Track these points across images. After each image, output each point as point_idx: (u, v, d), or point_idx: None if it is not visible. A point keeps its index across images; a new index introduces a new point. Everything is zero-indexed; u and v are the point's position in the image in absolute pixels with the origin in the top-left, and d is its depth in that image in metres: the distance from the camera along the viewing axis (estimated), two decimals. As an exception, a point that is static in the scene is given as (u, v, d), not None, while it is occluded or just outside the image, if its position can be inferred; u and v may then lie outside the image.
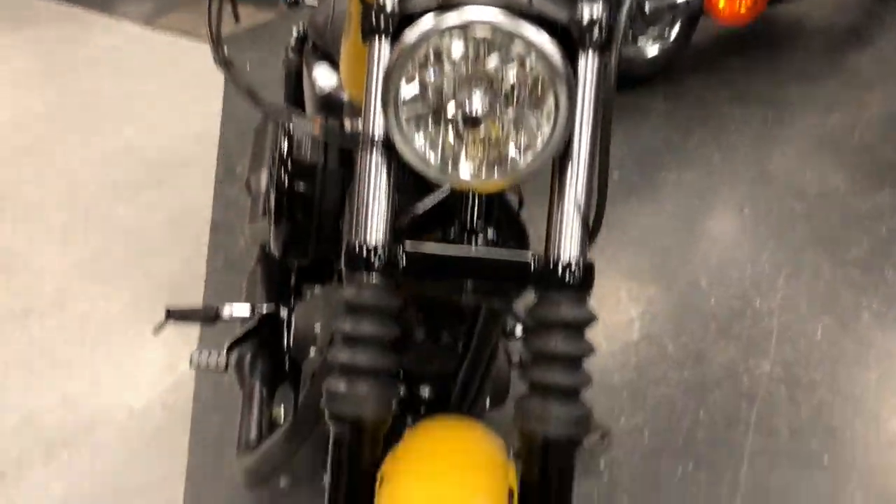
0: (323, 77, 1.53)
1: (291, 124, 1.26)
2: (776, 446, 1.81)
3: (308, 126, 1.28)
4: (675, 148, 2.77)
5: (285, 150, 1.31)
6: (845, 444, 1.81)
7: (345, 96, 1.42)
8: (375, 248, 0.88)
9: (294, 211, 1.31)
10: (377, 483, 0.89)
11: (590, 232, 0.90)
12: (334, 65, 1.52)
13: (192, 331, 2.04)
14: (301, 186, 1.31)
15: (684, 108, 2.93)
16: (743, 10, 2.87)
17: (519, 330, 1.52)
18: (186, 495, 1.69)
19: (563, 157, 0.89)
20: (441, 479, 0.86)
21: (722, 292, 2.21)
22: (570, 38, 0.85)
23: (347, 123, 1.29)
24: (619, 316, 2.13)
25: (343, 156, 1.33)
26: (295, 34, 1.73)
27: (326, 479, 0.91)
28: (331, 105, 1.47)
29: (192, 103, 3.04)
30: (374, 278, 0.88)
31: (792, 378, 1.96)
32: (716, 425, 1.86)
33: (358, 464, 0.91)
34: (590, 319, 0.89)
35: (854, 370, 1.98)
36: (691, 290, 2.22)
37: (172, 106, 3.05)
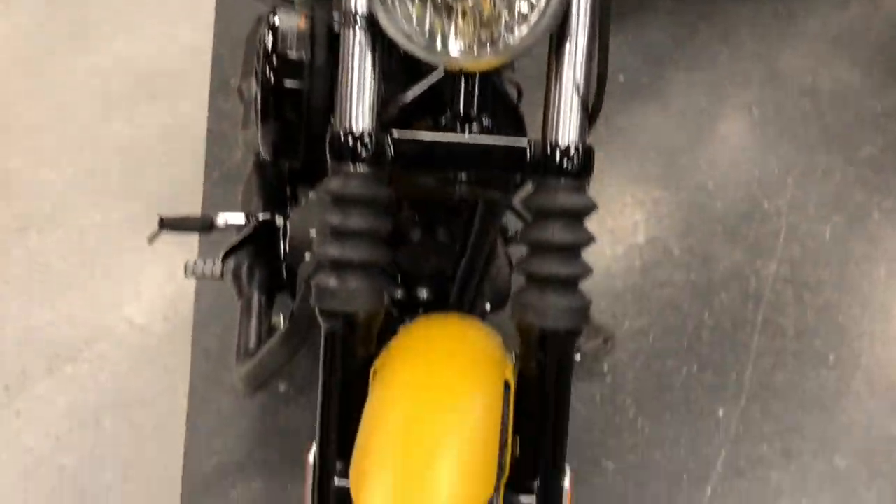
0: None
1: (276, 16, 1.20)
2: (782, 346, 1.80)
3: (293, 14, 1.22)
4: (682, 47, 2.67)
5: (270, 45, 1.25)
6: (852, 342, 1.80)
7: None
8: (361, 136, 0.84)
9: (282, 109, 1.26)
10: (371, 378, 0.87)
11: (590, 115, 0.86)
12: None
13: (192, 244, 2.01)
14: (288, 82, 1.25)
15: (691, 4, 2.81)
16: None
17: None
18: (190, 405, 1.69)
19: (560, 34, 0.83)
20: (435, 370, 0.84)
21: (729, 194, 2.16)
22: None
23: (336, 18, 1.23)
24: (623, 220, 2.09)
25: (331, 49, 1.26)
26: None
27: (320, 376, 0.89)
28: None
29: (183, 16, 2.93)
30: (361, 168, 0.84)
31: (799, 278, 1.93)
32: (721, 327, 1.84)
33: (351, 359, 0.89)
34: (589, 207, 0.86)
35: (863, 268, 1.94)
36: (698, 192, 2.17)
37: (163, 19, 2.94)
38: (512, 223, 1.42)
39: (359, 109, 0.84)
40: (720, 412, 1.68)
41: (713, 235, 2.05)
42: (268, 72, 1.24)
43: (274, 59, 1.24)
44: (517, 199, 1.01)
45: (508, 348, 0.96)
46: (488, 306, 1.31)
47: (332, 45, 1.27)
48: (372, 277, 0.86)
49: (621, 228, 2.07)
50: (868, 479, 1.57)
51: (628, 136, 2.32)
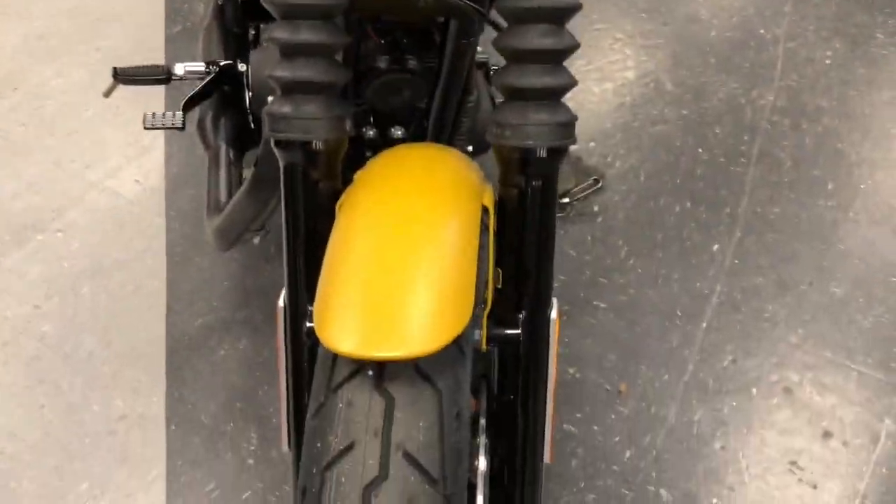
0: None
1: None
2: (778, 178, 1.73)
3: None
4: None
5: None
6: (851, 168, 1.73)
7: None
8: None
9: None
10: (337, 213, 0.80)
11: None
12: None
13: (158, 105, 1.91)
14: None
15: None
16: None
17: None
18: (168, 268, 1.64)
19: None
20: (402, 196, 0.76)
21: (723, 23, 2.03)
22: None
23: None
24: (612, 55, 1.98)
25: None
26: None
27: (282, 215, 0.82)
28: None
29: None
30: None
31: (797, 107, 1.84)
32: (715, 161, 1.77)
33: (315, 195, 0.82)
34: (573, 6, 0.76)
35: (863, 91, 1.85)
36: (690, 22, 2.05)
37: None
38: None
39: None
40: (714, 247, 1.64)
41: (707, 67, 1.94)
42: None
43: None
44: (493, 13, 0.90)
45: (487, 179, 0.89)
46: (470, 149, 1.23)
47: None
48: (330, 100, 0.78)
49: (610, 65, 1.96)
50: (865, 305, 1.54)
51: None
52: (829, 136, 1.78)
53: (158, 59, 2.05)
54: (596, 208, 1.70)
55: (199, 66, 1.42)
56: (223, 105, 1.45)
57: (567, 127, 0.78)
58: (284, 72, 0.76)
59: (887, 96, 1.84)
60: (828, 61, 1.93)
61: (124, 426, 1.44)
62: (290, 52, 0.76)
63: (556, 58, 0.76)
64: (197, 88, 1.39)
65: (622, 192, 1.73)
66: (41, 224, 1.73)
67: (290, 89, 0.77)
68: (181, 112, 1.37)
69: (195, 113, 1.47)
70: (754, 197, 1.70)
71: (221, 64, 1.41)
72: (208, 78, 1.41)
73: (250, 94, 1.33)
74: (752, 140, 1.79)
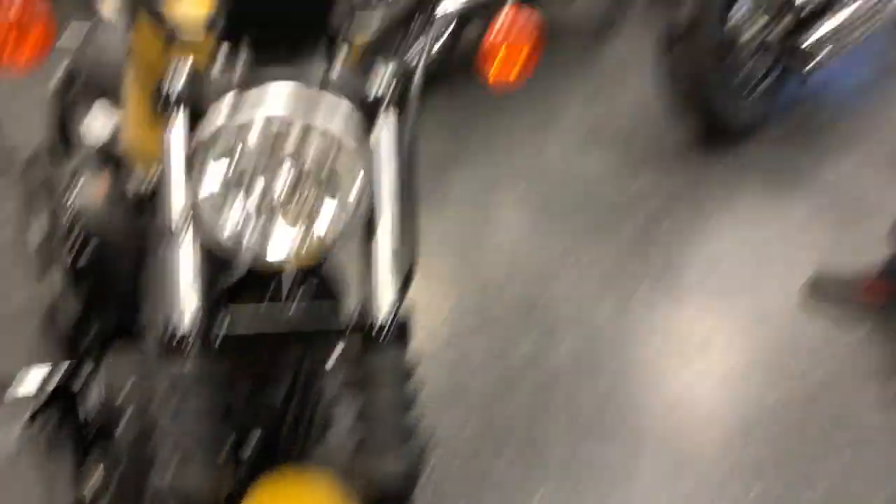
0: (98, 124, 1.43)
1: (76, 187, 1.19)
2: (579, 426, 1.96)
3: (91, 185, 1.21)
4: (457, 154, 2.86)
5: (69, 213, 1.23)
6: (635, 414, 2.00)
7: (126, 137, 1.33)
8: (186, 336, 0.87)
9: (86, 276, 1.23)
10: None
11: (403, 285, 0.95)
12: (113, 98, 1.41)
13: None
14: (91, 249, 1.23)
15: (460, 111, 3.01)
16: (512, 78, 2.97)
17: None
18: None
19: (370, 218, 0.92)
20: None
21: (513, 286, 2.33)
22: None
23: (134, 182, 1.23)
24: (428, 317, 2.19)
25: (137, 209, 1.26)
26: (59, 76, 1.60)
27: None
28: (111, 154, 1.38)
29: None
30: (190, 364, 0.87)
31: (587, 359, 2.12)
32: (529, 412, 1.98)
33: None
34: (410, 373, 0.94)
35: (637, 343, 2.18)
36: (483, 289, 2.33)
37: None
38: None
39: (184, 307, 0.87)
40: (539, 494, 1.81)
41: (507, 330, 2.20)
42: (72, 245, 1.21)
43: (75, 226, 1.22)
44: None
45: (348, 492, 1.00)
46: (320, 441, 1.34)
47: (137, 206, 1.27)
48: (216, 453, 0.89)
49: (418, 343, 2.17)
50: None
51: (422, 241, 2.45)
52: (616, 385, 2.07)
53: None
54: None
55: (38, 377, 1.42)
56: (63, 415, 1.45)
57: (416, 458, 0.94)
58: (170, 445, 0.86)
59: (656, 343, 2.18)
60: (605, 315, 2.25)
61: None
62: (178, 420, 0.87)
63: (398, 411, 0.93)
64: (36, 406, 1.39)
65: (449, 450, 1.89)
66: None
67: (178, 457, 0.87)
68: (18, 435, 1.36)
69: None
70: (564, 445, 1.92)
71: (64, 372, 1.42)
72: (48, 389, 1.42)
73: (100, 404, 1.35)
74: (550, 395, 2.03)
